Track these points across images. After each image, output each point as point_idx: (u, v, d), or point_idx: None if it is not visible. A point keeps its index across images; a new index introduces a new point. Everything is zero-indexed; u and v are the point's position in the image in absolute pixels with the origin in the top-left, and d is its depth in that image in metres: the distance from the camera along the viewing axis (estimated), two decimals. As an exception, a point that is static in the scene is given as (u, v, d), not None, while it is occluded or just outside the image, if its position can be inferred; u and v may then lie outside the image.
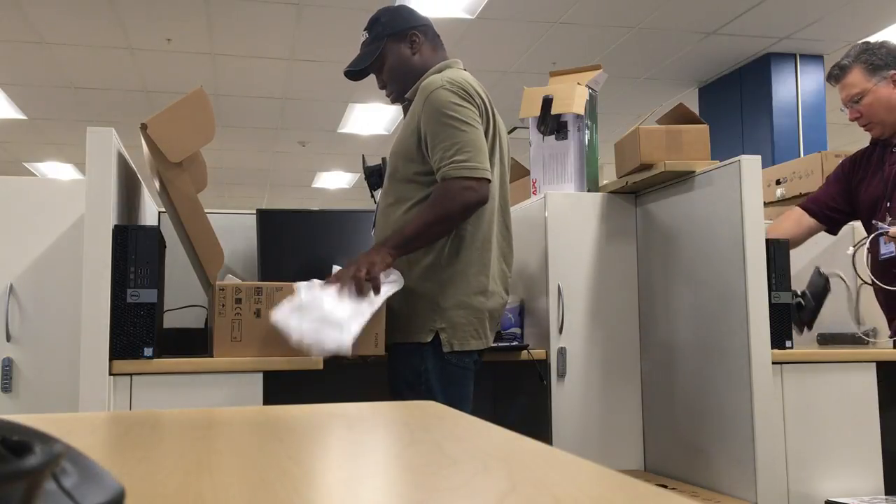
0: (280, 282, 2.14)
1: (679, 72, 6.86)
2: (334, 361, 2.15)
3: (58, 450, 0.38)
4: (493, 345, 2.29)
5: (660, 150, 2.58)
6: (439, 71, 2.25)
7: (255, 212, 2.90)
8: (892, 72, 2.66)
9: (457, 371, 2.14)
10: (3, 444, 0.36)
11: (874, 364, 2.49)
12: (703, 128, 2.65)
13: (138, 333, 2.01)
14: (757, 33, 6.02)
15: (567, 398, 2.66)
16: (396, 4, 2.36)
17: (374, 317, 2.09)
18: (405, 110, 2.32)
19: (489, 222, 2.21)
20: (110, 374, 1.98)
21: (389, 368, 2.20)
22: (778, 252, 2.40)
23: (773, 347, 2.30)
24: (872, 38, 6.17)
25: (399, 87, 2.30)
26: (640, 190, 2.78)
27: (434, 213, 2.08)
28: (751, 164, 2.34)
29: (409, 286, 2.14)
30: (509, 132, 2.42)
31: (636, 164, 2.61)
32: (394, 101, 2.37)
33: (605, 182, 2.88)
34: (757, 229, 2.31)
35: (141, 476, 0.60)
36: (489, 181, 2.11)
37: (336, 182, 11.18)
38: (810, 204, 2.85)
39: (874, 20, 5.80)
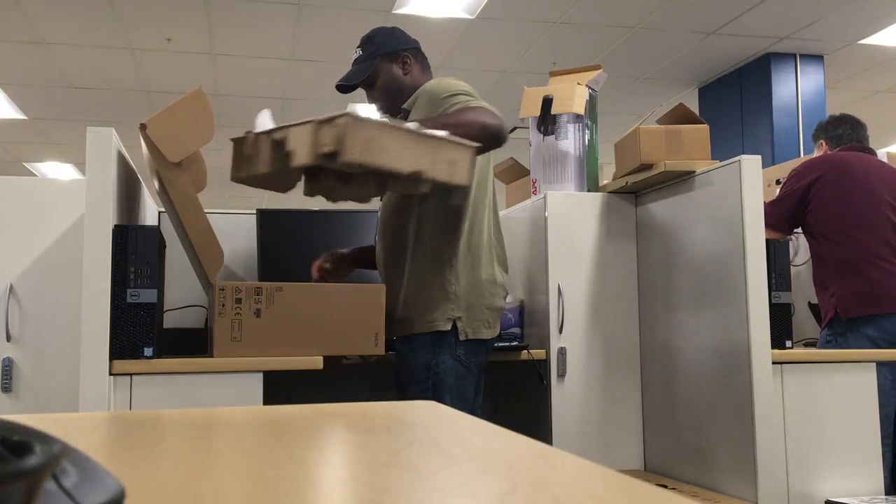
0: (280, 282, 2.14)
1: (679, 72, 6.86)
2: (334, 361, 2.16)
3: (58, 450, 0.38)
4: (496, 344, 2.31)
5: (660, 150, 2.58)
6: None
7: (255, 212, 2.90)
8: (821, 140, 3.33)
9: (462, 370, 2.16)
10: (3, 444, 0.36)
11: (874, 364, 2.49)
12: (703, 128, 2.64)
13: (138, 333, 2.01)
14: (757, 33, 6.01)
15: (567, 398, 2.66)
16: (390, 26, 2.40)
17: (373, 317, 2.11)
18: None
19: (488, 226, 2.25)
20: (110, 374, 1.98)
21: (398, 361, 2.21)
22: (778, 252, 2.40)
23: (773, 347, 2.30)
24: (872, 38, 6.16)
25: (389, 103, 2.35)
26: (640, 190, 2.77)
27: (459, 120, 1.99)
28: (751, 164, 2.34)
29: (425, 279, 2.17)
30: (510, 132, 2.44)
31: (636, 164, 2.61)
32: (383, 115, 2.40)
33: (605, 182, 2.88)
34: (757, 229, 2.31)
35: (141, 476, 0.60)
36: (504, 127, 2.04)
37: (336, 182, 11.17)
38: None
39: (874, 20, 5.79)
